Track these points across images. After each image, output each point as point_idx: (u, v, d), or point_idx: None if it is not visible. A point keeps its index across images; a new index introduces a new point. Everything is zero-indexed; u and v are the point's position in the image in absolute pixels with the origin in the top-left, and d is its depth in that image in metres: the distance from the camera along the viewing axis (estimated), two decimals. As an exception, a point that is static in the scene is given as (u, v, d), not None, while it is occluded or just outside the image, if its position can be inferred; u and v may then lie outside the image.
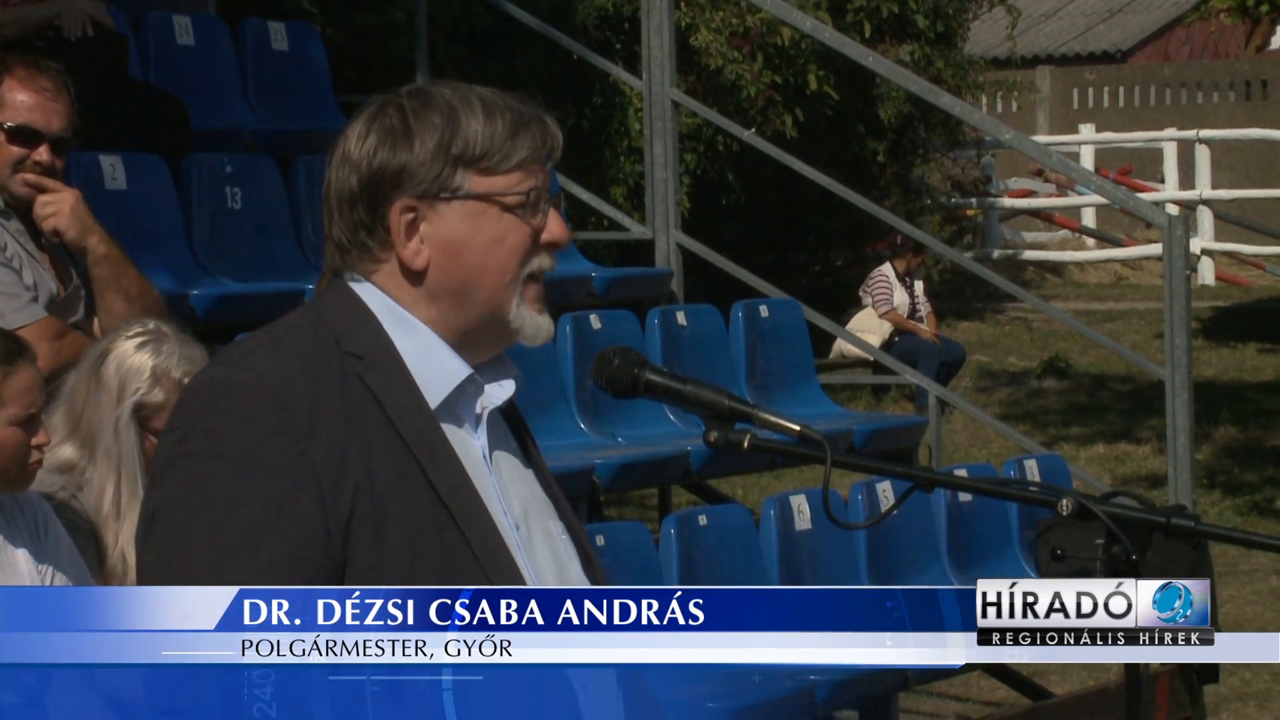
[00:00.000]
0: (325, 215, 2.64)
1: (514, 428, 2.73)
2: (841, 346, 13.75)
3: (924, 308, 14.89)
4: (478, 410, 2.65)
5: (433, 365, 2.61)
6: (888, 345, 13.91)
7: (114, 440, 4.15)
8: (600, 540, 5.87)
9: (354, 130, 2.62)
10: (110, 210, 6.23)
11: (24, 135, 4.96)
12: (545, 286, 2.65)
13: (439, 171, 2.58)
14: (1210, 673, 7.55)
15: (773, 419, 2.66)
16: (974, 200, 20.22)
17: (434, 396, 2.60)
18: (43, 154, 4.97)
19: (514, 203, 2.61)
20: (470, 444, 2.63)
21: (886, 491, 6.71)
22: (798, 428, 2.67)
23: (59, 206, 4.94)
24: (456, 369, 2.62)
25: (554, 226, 2.64)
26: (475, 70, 10.95)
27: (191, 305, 6.39)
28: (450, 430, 2.61)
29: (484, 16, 11.08)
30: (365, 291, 2.63)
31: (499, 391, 2.67)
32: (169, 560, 2.50)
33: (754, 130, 12.01)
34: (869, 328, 14.23)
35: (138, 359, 4.19)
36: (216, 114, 7.43)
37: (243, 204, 6.97)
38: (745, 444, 2.67)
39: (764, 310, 7.88)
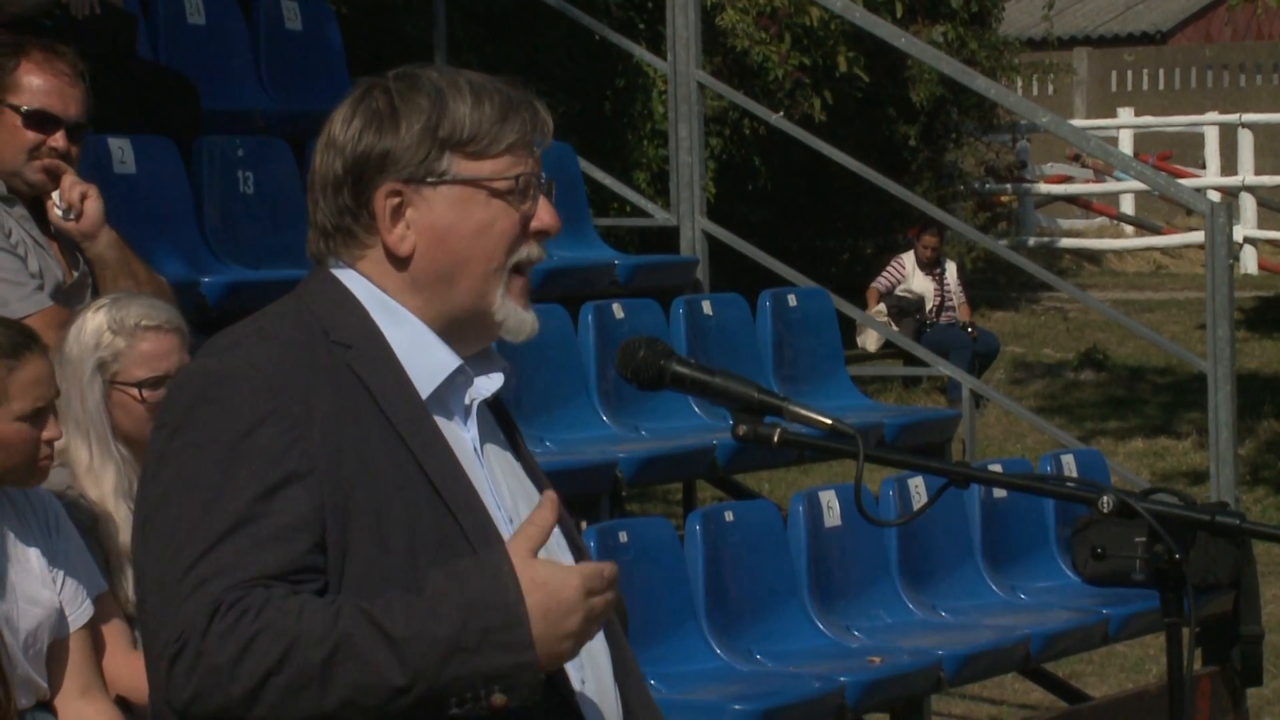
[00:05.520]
0: (310, 200, 2.62)
1: (500, 420, 2.70)
2: (865, 339, 13.60)
3: (956, 297, 14.72)
4: (466, 402, 2.63)
5: (422, 355, 2.58)
6: (915, 336, 13.73)
7: (81, 406, 4.16)
8: (624, 536, 5.78)
9: (340, 114, 2.61)
10: (119, 194, 6.11)
11: (41, 120, 4.90)
12: (529, 281, 2.62)
13: (425, 155, 2.58)
14: (1253, 675, 7.36)
15: (803, 412, 2.63)
16: (1009, 186, 20.07)
17: (424, 387, 2.58)
18: (59, 140, 4.91)
19: (503, 188, 2.59)
20: (461, 436, 2.61)
21: (919, 487, 6.60)
22: (829, 421, 2.63)
23: (97, 205, 4.86)
24: (446, 359, 2.60)
25: (544, 214, 2.61)
26: (494, 51, 10.86)
27: (202, 293, 6.31)
28: (441, 422, 2.59)
29: (503, -6, 10.98)
30: (350, 279, 2.61)
31: (488, 383, 2.64)
32: (164, 555, 2.46)
33: (781, 113, 11.89)
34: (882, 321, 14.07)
35: (95, 319, 4.22)
36: (228, 95, 7.32)
37: (255, 188, 6.87)
38: (775, 438, 2.64)
39: (792, 299, 7.77)
